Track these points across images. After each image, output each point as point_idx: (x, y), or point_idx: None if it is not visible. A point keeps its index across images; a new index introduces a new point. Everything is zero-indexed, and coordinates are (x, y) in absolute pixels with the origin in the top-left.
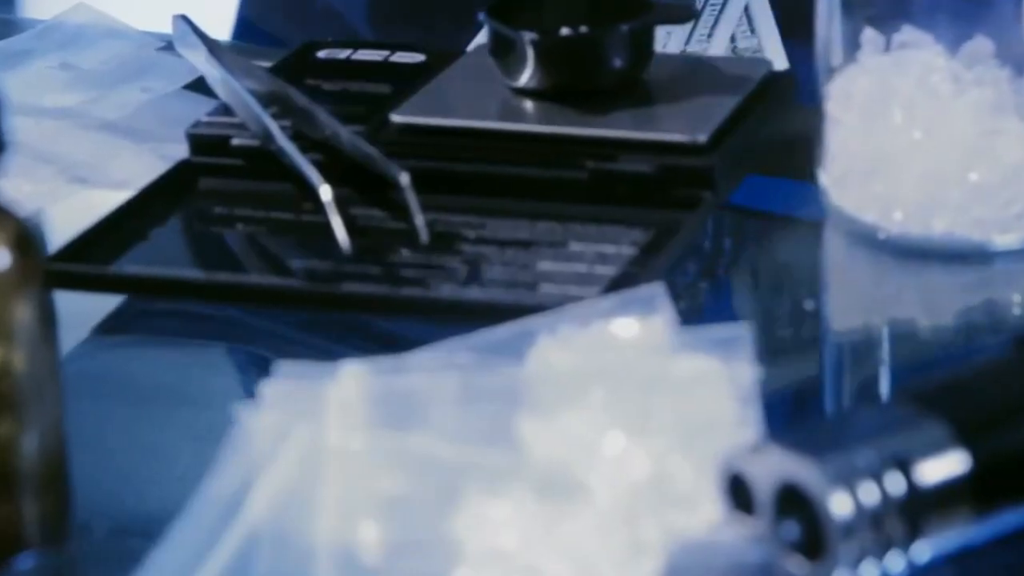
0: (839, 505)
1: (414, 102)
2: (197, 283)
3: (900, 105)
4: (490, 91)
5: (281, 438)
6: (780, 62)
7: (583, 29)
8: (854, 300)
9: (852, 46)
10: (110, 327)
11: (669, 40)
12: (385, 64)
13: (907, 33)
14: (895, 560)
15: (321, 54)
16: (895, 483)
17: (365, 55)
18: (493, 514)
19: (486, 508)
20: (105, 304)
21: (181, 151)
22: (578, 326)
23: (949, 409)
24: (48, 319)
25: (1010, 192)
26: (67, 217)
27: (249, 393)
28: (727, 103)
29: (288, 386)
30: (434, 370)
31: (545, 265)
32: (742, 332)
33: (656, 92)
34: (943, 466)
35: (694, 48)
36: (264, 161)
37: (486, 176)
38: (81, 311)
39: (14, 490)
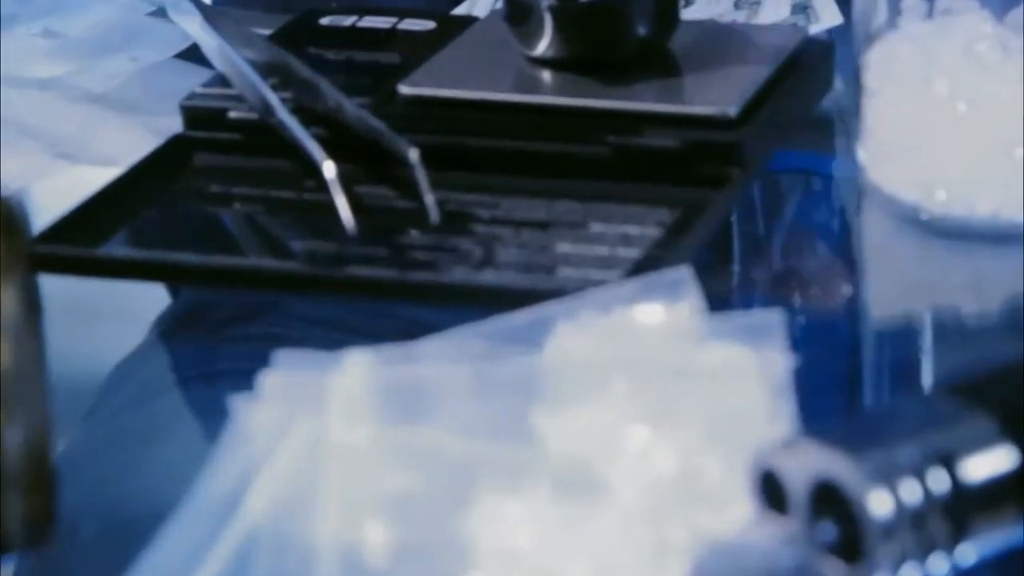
0: (878, 504)
1: (424, 72)
2: (191, 267)
3: (943, 75)
4: (505, 61)
5: (281, 433)
6: (832, 18)
7: None
8: (894, 285)
9: (892, 12)
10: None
11: None
12: (393, 32)
13: None
14: (938, 563)
15: (324, 21)
16: (938, 481)
17: (371, 22)
18: (507, 513)
19: (500, 507)
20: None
21: (174, 125)
22: (599, 312)
23: (996, 402)
24: (33, 305)
25: None
26: (52, 196)
27: (248, 385)
28: (759, 73)
29: (288, 377)
30: (445, 360)
31: (564, 247)
32: (774, 319)
33: (683, 62)
34: (989, 462)
35: None
36: (263, 136)
37: (501, 152)
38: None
39: None
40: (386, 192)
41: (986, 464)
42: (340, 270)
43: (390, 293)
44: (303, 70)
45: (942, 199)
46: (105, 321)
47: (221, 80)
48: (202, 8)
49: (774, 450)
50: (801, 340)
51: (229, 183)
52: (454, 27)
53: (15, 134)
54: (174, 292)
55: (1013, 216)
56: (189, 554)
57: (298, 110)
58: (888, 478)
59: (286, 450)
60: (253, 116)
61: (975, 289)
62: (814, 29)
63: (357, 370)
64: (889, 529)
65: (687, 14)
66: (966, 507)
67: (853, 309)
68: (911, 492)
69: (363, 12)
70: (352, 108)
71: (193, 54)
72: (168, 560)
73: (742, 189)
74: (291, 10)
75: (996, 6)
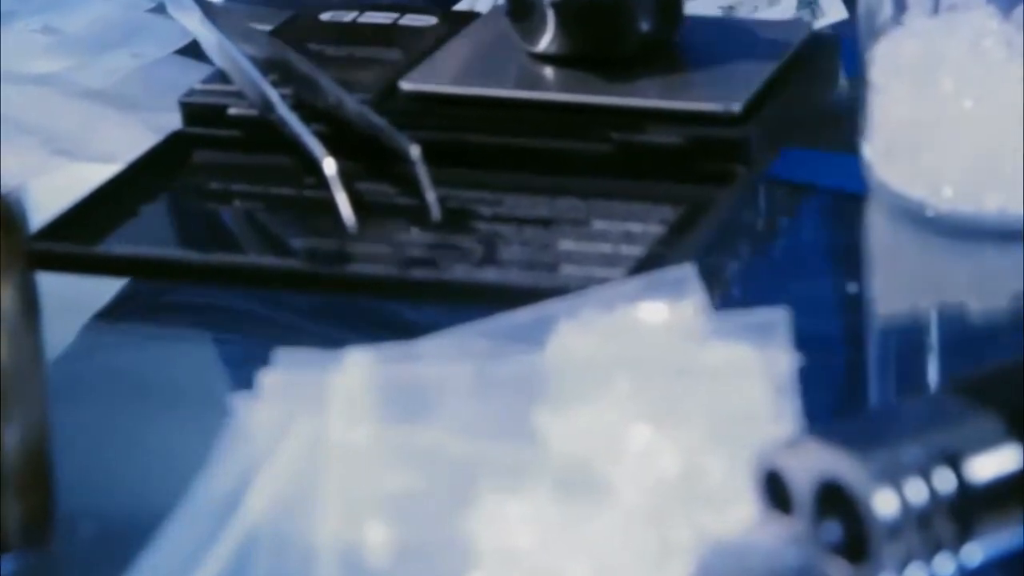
0: (884, 504)
1: (425, 68)
2: (190, 264)
3: (949, 72)
4: (507, 56)
5: (281, 432)
6: (837, 13)
7: None
8: (900, 282)
9: (898, 7)
10: (104, 315)
11: None
12: (394, 27)
13: None
14: (944, 563)
15: (325, 16)
16: (944, 480)
17: (372, 17)
18: (509, 513)
19: (501, 507)
20: (89, 289)
21: (173, 121)
22: (602, 310)
23: (1002, 401)
24: (31, 303)
25: None
26: (50, 193)
27: (247, 384)
28: (764, 69)
29: (289, 376)
30: (446, 358)
31: (566, 245)
32: (779, 317)
33: (687, 57)
34: (996, 462)
35: None
36: (263, 132)
37: (503, 148)
38: (69, 296)
39: None
40: (387, 189)
41: (992, 464)
42: (340, 267)
43: (391, 291)
44: (303, 66)
45: (948, 196)
46: None
47: (221, 76)
48: (202, 4)
49: (778, 449)
50: (805, 339)
51: (229, 180)
52: (455, 23)
53: (13, 131)
54: None
55: (1020, 213)
56: (189, 554)
57: (298, 106)
58: (893, 478)
59: (286, 450)
60: (253, 112)
61: (981, 287)
62: (819, 24)
63: (357, 369)
64: (894, 529)
65: (690, 9)
66: (972, 507)
67: (858, 307)
68: (917, 492)
69: (364, 8)
70: (353, 104)
71: (193, 50)
72: (168, 560)
73: (747, 186)
74: (291, 5)
75: (1002, 2)
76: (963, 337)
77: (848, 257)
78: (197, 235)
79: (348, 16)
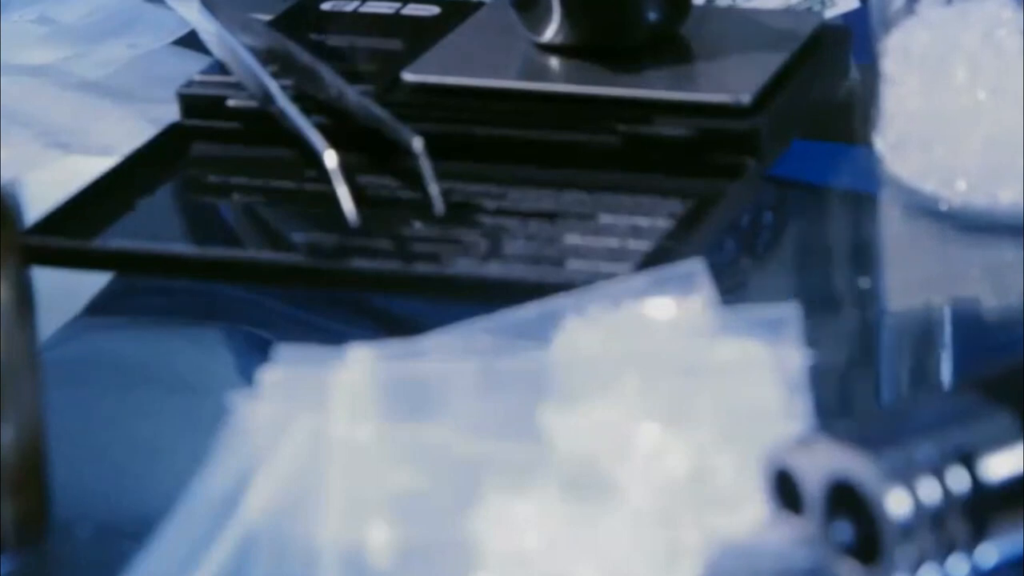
0: (896, 503)
1: (428, 59)
2: (189, 259)
3: (963, 62)
4: (512, 47)
5: (281, 430)
6: (848, 2)
7: None
8: (913, 277)
9: None
10: (95, 307)
11: None
12: (396, 17)
13: None
14: (958, 564)
15: (326, 6)
16: (958, 479)
17: (374, 7)
18: (515, 514)
19: (507, 507)
20: (87, 283)
21: (171, 113)
22: (609, 306)
23: (1017, 398)
24: (25, 299)
25: None
26: (46, 186)
27: (247, 380)
28: (773, 60)
29: (289, 372)
30: (450, 355)
31: (572, 239)
32: (790, 313)
33: (695, 48)
34: (1010, 460)
35: None
36: (263, 124)
37: (507, 141)
38: (63, 289)
39: None
40: (389, 182)
41: (1007, 462)
42: (342, 263)
43: (393, 286)
44: (304, 57)
45: (962, 189)
46: None
47: (220, 67)
48: None
49: (789, 448)
50: (817, 335)
51: (228, 173)
52: (459, 12)
53: (8, 123)
54: None
55: None
56: (187, 554)
57: (299, 98)
58: (906, 477)
59: (287, 448)
60: (253, 104)
61: (995, 281)
62: (830, 14)
63: (359, 366)
64: (907, 529)
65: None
66: (986, 506)
67: (870, 303)
68: (930, 491)
69: None
70: (354, 96)
71: (191, 40)
72: (166, 560)
73: (757, 179)
74: None
75: None
76: (977, 333)
77: (860, 251)
78: (196, 229)
79: (350, 6)
